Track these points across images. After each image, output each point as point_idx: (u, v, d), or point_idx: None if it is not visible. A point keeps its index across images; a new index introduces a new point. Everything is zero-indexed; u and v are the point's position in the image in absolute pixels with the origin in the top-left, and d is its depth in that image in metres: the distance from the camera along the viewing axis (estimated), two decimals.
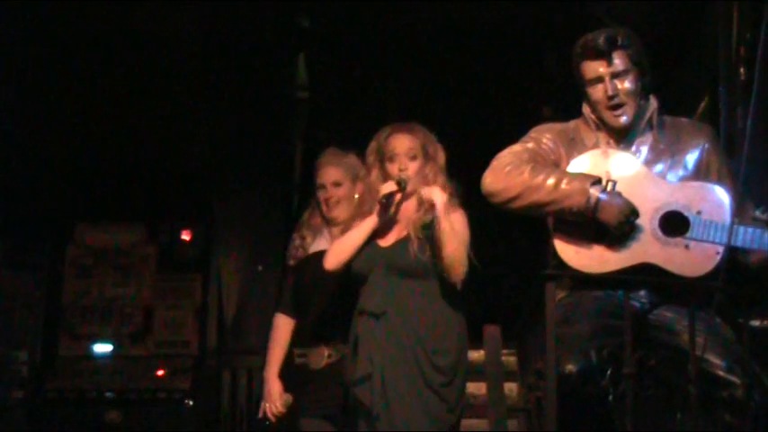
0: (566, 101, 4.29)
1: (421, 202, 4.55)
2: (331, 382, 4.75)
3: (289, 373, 4.98)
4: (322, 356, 4.81)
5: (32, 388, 7.42)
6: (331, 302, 4.82)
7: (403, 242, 4.53)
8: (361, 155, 4.87)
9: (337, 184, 4.92)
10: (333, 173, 4.94)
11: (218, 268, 7.94)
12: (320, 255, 4.90)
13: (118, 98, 7.69)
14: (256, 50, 7.77)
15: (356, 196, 4.87)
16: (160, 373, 7.43)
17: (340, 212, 4.89)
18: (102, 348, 7.61)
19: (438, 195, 4.39)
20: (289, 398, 4.93)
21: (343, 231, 4.73)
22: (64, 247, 7.88)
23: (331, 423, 4.81)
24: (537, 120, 4.23)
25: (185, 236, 7.87)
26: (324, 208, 4.96)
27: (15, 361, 7.47)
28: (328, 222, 4.97)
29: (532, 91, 7.36)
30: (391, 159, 4.60)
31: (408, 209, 4.62)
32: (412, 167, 4.59)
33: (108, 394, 7.33)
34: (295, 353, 4.95)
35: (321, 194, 4.96)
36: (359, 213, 4.68)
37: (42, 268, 7.80)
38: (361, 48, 7.64)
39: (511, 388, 6.43)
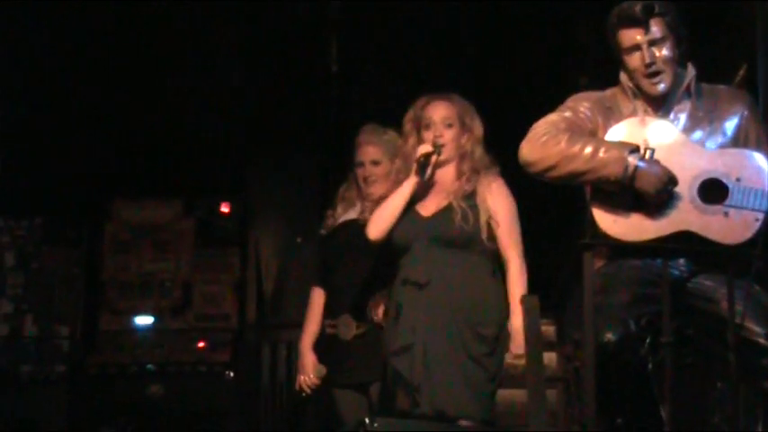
0: (601, 70, 4.27)
1: (461, 173, 4.58)
2: (362, 352, 4.79)
3: (321, 344, 5.02)
4: (351, 327, 4.85)
5: (74, 363, 7.49)
6: (360, 272, 4.85)
7: (445, 212, 4.55)
8: (399, 131, 4.90)
9: (376, 163, 4.96)
10: (371, 151, 4.97)
11: (256, 242, 7.97)
12: (347, 224, 4.97)
13: (153, 74, 7.71)
14: (290, 24, 7.77)
15: (396, 171, 4.90)
16: (200, 346, 7.48)
17: (377, 189, 4.94)
18: (142, 322, 7.66)
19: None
20: (322, 369, 4.97)
21: (377, 205, 4.77)
22: (102, 223, 7.92)
23: (363, 393, 4.85)
24: (573, 89, 4.21)
25: (222, 210, 7.90)
26: (362, 185, 4.99)
27: (57, 335, 7.55)
28: (363, 198, 5.00)
29: (568, 60, 7.32)
30: (427, 127, 4.62)
31: (447, 178, 4.64)
32: (448, 135, 4.61)
33: (149, 368, 7.39)
34: (326, 323, 4.98)
35: (360, 172, 4.99)
36: (396, 185, 4.71)
37: (81, 244, 7.85)
38: (392, 19, 7.62)
39: (550, 358, 6.43)
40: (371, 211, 4.76)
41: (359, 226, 4.84)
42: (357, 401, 4.88)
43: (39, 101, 7.43)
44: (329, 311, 5.01)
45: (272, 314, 7.86)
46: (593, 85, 4.21)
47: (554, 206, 5.49)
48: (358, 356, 4.83)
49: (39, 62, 7.26)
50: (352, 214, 5.01)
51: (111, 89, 7.71)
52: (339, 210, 5.08)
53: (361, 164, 4.99)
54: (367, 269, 4.86)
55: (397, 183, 4.68)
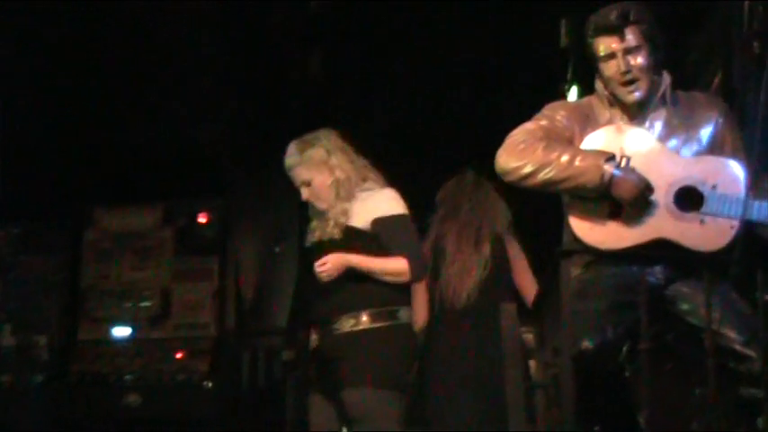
0: (582, 77, 4.30)
1: None
2: (321, 363, 4.79)
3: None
4: (311, 339, 4.85)
5: (53, 372, 7.46)
6: (321, 288, 4.85)
7: None
8: (335, 131, 4.90)
9: (307, 183, 4.86)
10: (298, 174, 4.85)
11: (236, 250, 7.95)
12: (318, 243, 4.91)
13: (132, 81, 7.69)
14: (269, 31, 7.77)
15: (331, 180, 4.82)
16: (179, 355, 7.45)
17: (323, 204, 4.85)
18: (121, 332, 7.63)
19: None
20: None
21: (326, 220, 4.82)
22: (82, 230, 7.89)
23: (332, 401, 4.82)
24: (551, 97, 4.23)
25: (202, 218, 7.88)
26: (310, 204, 4.94)
27: (36, 345, 7.51)
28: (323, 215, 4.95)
29: (547, 67, 7.34)
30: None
31: None
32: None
33: (127, 377, 7.37)
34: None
35: (301, 195, 4.92)
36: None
37: (61, 252, 7.82)
38: (374, 24, 7.61)
39: (530, 365, 6.44)
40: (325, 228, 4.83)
41: (321, 245, 4.87)
42: (326, 408, 4.84)
43: (16, 108, 7.40)
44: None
45: (251, 322, 7.85)
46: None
47: (531, 213, 5.49)
48: (320, 366, 4.83)
49: (14, 69, 7.23)
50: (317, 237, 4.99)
51: (90, 97, 7.69)
52: (315, 232, 5.01)
53: (297, 187, 4.92)
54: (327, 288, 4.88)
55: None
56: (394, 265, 4.65)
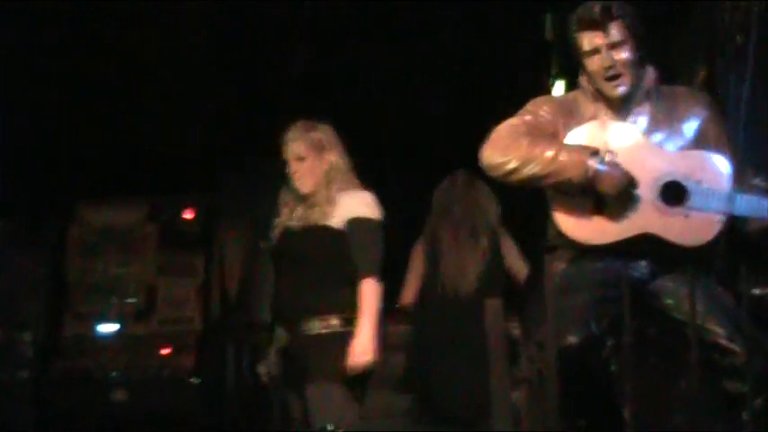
0: (567, 71, 4.30)
1: None
2: (293, 361, 4.78)
3: None
4: (279, 339, 4.85)
5: (38, 368, 7.44)
6: (287, 283, 4.83)
7: None
8: (336, 125, 4.93)
9: (300, 159, 4.87)
10: (295, 147, 4.89)
11: (221, 245, 7.95)
12: (283, 232, 4.90)
13: (118, 76, 7.68)
14: (259, 27, 7.76)
15: (324, 168, 4.85)
16: (164, 351, 7.45)
17: (305, 186, 4.86)
18: (106, 328, 7.62)
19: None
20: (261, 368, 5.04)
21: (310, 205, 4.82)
22: (67, 226, 7.88)
23: (300, 397, 4.81)
24: (536, 91, 4.23)
25: (187, 213, 7.87)
26: (291, 183, 4.93)
27: (20, 341, 7.49)
28: (301, 199, 4.93)
29: (532, 62, 7.35)
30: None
31: None
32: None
33: (113, 373, 7.36)
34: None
35: (287, 170, 4.93)
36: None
37: (45, 248, 7.80)
38: (363, 21, 7.62)
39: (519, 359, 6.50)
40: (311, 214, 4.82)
41: (289, 234, 4.86)
42: (297, 404, 4.84)
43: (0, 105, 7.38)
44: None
45: (236, 317, 7.85)
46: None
47: (516, 208, 5.51)
48: (288, 365, 4.82)
49: None
50: (294, 221, 4.96)
51: (76, 93, 7.67)
52: (283, 216, 5.00)
53: (287, 161, 4.93)
54: (293, 281, 4.85)
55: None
56: (373, 299, 4.69)
